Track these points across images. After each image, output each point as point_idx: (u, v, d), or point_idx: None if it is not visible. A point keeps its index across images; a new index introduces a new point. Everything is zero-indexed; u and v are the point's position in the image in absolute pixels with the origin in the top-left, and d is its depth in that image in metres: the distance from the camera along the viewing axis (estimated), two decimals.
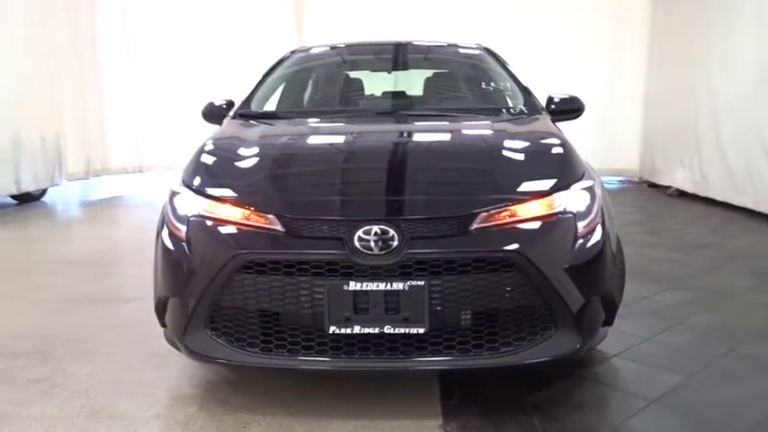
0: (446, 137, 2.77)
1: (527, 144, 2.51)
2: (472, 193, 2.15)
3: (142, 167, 9.29)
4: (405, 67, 3.78)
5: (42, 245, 5.34)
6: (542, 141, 2.59)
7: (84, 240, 5.75)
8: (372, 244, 1.97)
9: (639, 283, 3.80)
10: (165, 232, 2.26)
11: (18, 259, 4.82)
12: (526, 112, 3.03)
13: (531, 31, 8.77)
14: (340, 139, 2.70)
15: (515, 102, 3.17)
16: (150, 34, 9.03)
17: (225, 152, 2.49)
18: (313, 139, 2.75)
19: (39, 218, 6.69)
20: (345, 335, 2.00)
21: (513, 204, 2.09)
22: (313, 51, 3.89)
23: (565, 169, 2.31)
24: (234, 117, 3.07)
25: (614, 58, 8.70)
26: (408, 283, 1.96)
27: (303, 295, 2.01)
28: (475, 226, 2.03)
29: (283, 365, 2.08)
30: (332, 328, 1.99)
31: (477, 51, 3.69)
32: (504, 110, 3.07)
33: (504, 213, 2.08)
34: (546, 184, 2.20)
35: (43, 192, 7.66)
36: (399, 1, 9.00)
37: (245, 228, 2.09)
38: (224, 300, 2.07)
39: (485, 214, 2.05)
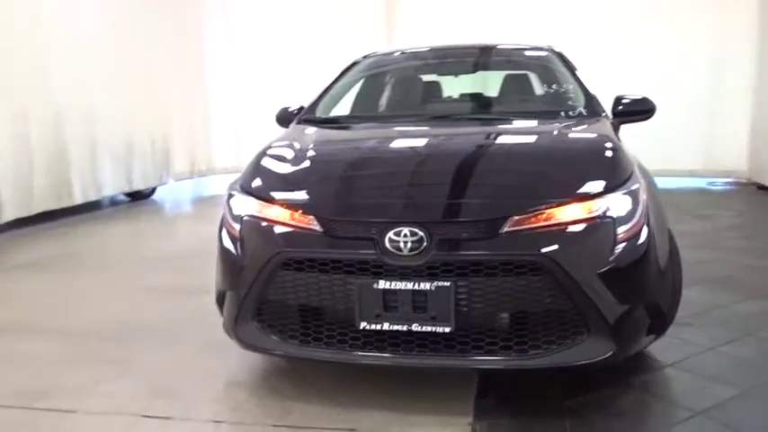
0: (492, 140, 2.80)
1: (572, 147, 2.51)
2: (505, 197, 2.18)
3: (241, 168, 9.80)
4: (469, 72, 3.82)
5: (148, 240, 5.86)
6: (588, 145, 2.56)
7: (184, 236, 6.25)
8: (402, 245, 2.06)
9: (717, 290, 3.64)
10: (223, 232, 2.47)
11: (125, 252, 5.31)
12: (585, 114, 2.99)
13: (630, 23, 8.44)
14: (387, 144, 2.80)
15: (575, 104, 3.13)
16: (250, 40, 9.52)
17: (277, 158, 2.65)
18: (362, 144, 2.86)
19: (148, 214, 7.29)
20: (375, 331, 2.11)
21: (548, 208, 2.10)
22: (383, 56, 4.01)
23: (607, 173, 2.28)
24: (298, 122, 3.25)
25: (719, 51, 8.18)
26: (435, 283, 2.04)
27: (337, 292, 2.13)
28: (506, 229, 2.06)
29: (319, 357, 2.21)
30: (362, 324, 2.10)
31: (544, 53, 3.66)
32: (562, 112, 3.03)
33: (536, 217, 2.09)
34: (585, 188, 2.19)
35: (153, 190, 8.32)
36: (491, 4, 8.95)
37: (288, 228, 2.24)
38: (269, 294, 2.24)
39: (516, 218, 2.07)
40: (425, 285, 2.04)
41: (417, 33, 9.13)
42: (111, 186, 7.29)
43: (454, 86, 3.84)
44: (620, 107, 3.20)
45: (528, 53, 3.81)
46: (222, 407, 2.34)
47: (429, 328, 2.06)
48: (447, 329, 2.05)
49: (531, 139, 2.72)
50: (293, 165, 2.52)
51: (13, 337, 3.10)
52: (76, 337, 3.06)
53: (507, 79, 3.59)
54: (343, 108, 3.60)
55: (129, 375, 2.62)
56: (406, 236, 2.06)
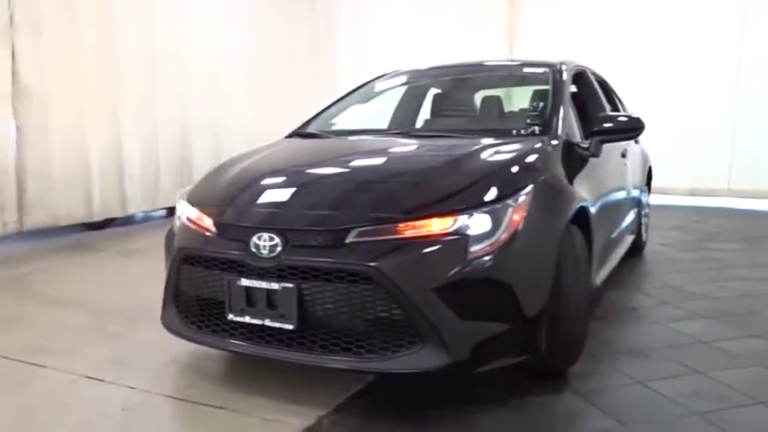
0: (396, 155, 2.97)
1: (455, 164, 2.57)
2: (353, 209, 2.34)
3: None
4: (462, 90, 3.90)
5: None
6: (472, 162, 2.59)
7: None
8: (262, 248, 2.33)
9: (713, 324, 3.36)
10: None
11: None
12: (535, 133, 2.98)
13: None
14: (310, 156, 3.06)
15: (532, 124, 3.13)
16: (380, 58, 10.07)
17: (222, 167, 3.02)
18: (290, 157, 3.12)
19: None
20: (240, 322, 2.40)
21: (390, 222, 2.24)
22: (395, 74, 4.21)
23: (473, 191, 2.34)
24: (288, 136, 3.62)
25: None
26: (282, 284, 2.28)
27: (216, 286, 2.45)
28: (350, 240, 2.24)
29: (205, 342, 2.55)
30: (230, 316, 2.40)
31: (541, 71, 3.64)
32: (513, 131, 3.06)
33: (379, 230, 2.24)
34: (440, 205, 2.28)
35: None
36: (608, 17, 8.65)
37: (195, 228, 2.62)
38: (179, 285, 2.63)
39: (360, 229, 2.24)
40: (275, 285, 2.29)
41: (537, 44, 9.08)
42: None
43: (445, 104, 3.94)
44: (605, 125, 3.17)
45: (526, 70, 3.80)
46: (162, 375, 2.76)
47: (277, 324, 2.31)
48: (290, 327, 2.28)
49: (431, 155, 2.80)
50: (225, 174, 2.89)
51: (53, 309, 3.81)
52: (101, 313, 3.69)
53: (485, 98, 3.63)
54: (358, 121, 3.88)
55: (110, 345, 3.14)
56: (265, 240, 2.32)
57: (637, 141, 4.73)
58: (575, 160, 2.99)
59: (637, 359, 2.91)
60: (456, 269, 2.18)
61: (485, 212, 2.26)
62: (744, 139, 8.14)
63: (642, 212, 5.05)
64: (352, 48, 10.11)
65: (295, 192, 2.56)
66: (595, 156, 3.21)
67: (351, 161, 2.92)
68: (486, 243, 2.23)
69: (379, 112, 3.84)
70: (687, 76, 8.37)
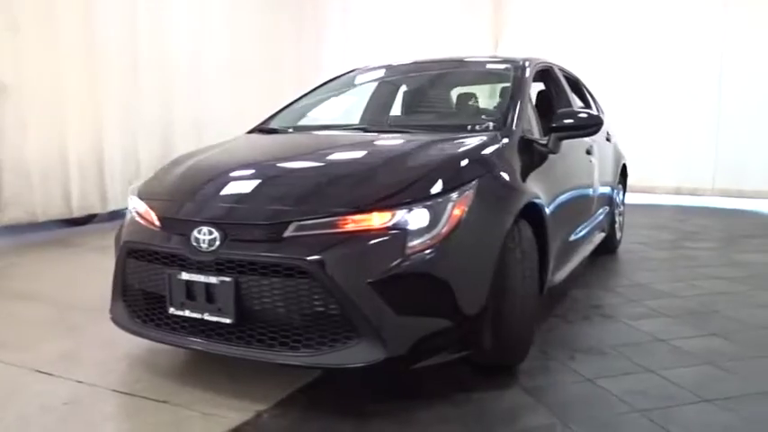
0: (344, 151, 2.96)
1: (400, 160, 2.56)
2: (292, 204, 2.33)
3: None
4: (427, 86, 3.89)
5: None
6: (419, 158, 2.58)
7: None
8: (201, 242, 2.32)
9: (673, 323, 3.35)
10: None
11: None
12: (489, 129, 2.98)
13: None
14: (263, 151, 3.06)
15: (488, 120, 3.12)
16: (366, 52, 10.00)
17: (173, 162, 3.02)
18: (242, 151, 3.12)
19: None
20: (181, 316, 2.39)
21: (328, 216, 2.23)
22: (369, 70, 4.20)
23: (415, 185, 2.32)
24: (250, 131, 3.61)
25: None
26: (220, 278, 2.27)
27: (158, 280, 2.44)
28: (288, 234, 2.23)
29: (150, 337, 2.54)
30: (171, 309, 2.40)
31: (503, 67, 3.63)
32: (468, 126, 3.05)
33: (317, 224, 2.23)
34: (379, 199, 2.27)
35: None
36: (598, 18, 8.65)
37: (141, 222, 2.61)
38: (126, 278, 2.62)
39: (298, 224, 2.23)
40: (213, 279, 2.28)
41: (523, 40, 9.09)
42: None
43: (408, 100, 3.94)
44: (560, 122, 3.17)
45: (488, 67, 3.80)
46: (99, 371, 2.76)
47: (216, 318, 2.30)
48: (228, 321, 2.27)
49: (378, 151, 2.78)
50: (175, 169, 2.88)
51: (18, 303, 3.80)
52: (64, 307, 3.68)
53: (446, 95, 3.63)
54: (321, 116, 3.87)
55: (67, 339, 3.13)
56: (205, 234, 2.32)
57: (609, 139, 4.72)
58: (530, 156, 2.98)
59: (592, 357, 2.90)
60: (393, 264, 2.17)
61: (424, 207, 2.25)
62: (728, 139, 8.15)
63: (615, 210, 5.04)
64: (339, 43, 10.05)
65: (237, 186, 2.55)
66: (553, 152, 3.20)
67: (299, 156, 2.92)
68: (425, 238, 2.22)
69: (344, 108, 3.83)
70: (671, 75, 8.41)
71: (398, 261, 2.18)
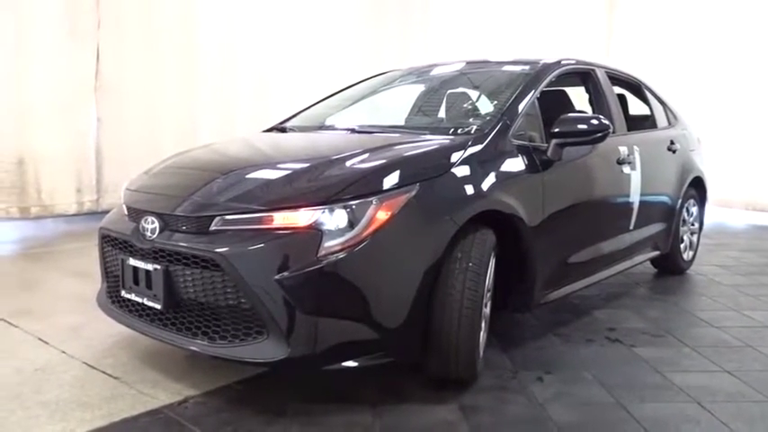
0: (302, 150, 3.02)
1: (343, 160, 2.52)
2: (218, 199, 2.38)
3: None
4: (440, 87, 3.77)
5: None
6: (354, 160, 2.53)
7: None
8: (146, 231, 2.46)
9: (678, 352, 3.02)
10: None
11: None
12: (471, 132, 2.85)
13: None
14: (235, 150, 3.14)
15: (475, 122, 2.99)
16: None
17: (162, 161, 3.18)
18: (223, 149, 3.19)
19: None
20: (129, 299, 2.55)
21: (247, 213, 2.28)
22: (393, 71, 4.17)
23: (335, 188, 2.29)
24: (268, 130, 3.74)
25: None
26: (154, 266, 2.40)
27: (117, 264, 2.63)
28: (213, 227, 2.31)
29: (114, 317, 2.71)
30: (123, 292, 2.57)
31: (519, 69, 3.45)
32: (452, 129, 2.94)
33: (239, 219, 2.28)
34: (300, 199, 2.28)
35: None
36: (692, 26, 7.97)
37: (118, 211, 2.82)
38: (105, 263, 2.84)
39: (221, 218, 2.30)
40: (150, 267, 2.41)
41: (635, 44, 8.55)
42: None
43: (419, 101, 3.85)
44: (557, 129, 2.99)
45: (505, 69, 3.62)
46: (85, 345, 3.01)
47: (151, 303, 2.43)
48: (158, 306, 2.40)
49: (333, 150, 2.69)
50: (161, 163, 3.06)
51: (69, 279, 4.24)
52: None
53: (449, 96, 3.49)
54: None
55: (85, 315, 3.38)
56: (149, 223, 2.46)
57: (673, 149, 4.29)
58: (515, 163, 2.81)
59: (561, 381, 2.69)
60: (303, 263, 2.17)
61: (342, 209, 2.23)
62: None
63: (684, 227, 4.57)
64: (444, 44, 9.96)
65: (185, 180, 2.67)
66: (553, 160, 2.99)
67: (255, 155, 3.02)
68: (342, 239, 2.19)
69: (364, 109, 3.84)
70: (749, 81, 7.61)
71: (310, 261, 2.17)
